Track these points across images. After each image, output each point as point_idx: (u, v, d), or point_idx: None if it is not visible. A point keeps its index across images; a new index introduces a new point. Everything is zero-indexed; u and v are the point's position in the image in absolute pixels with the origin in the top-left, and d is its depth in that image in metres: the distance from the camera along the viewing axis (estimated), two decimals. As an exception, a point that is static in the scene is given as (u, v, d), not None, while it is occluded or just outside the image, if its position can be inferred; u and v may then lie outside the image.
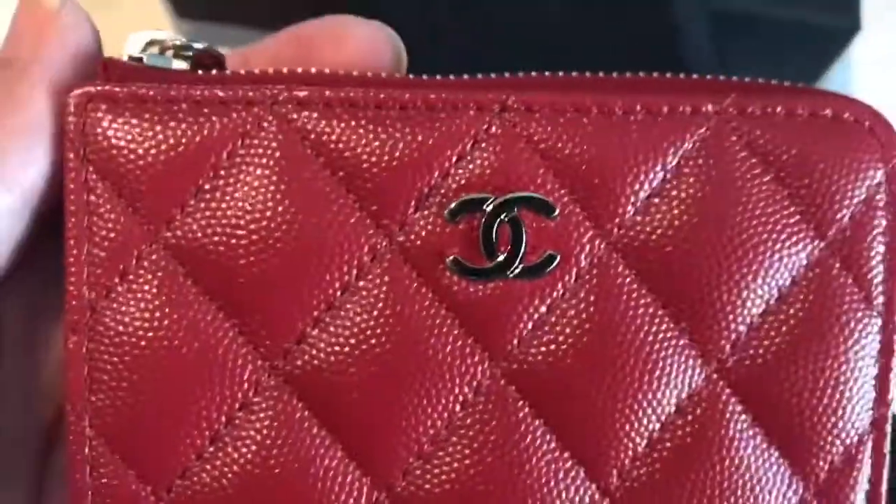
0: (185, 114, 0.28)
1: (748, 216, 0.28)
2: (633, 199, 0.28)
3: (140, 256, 0.28)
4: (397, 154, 0.28)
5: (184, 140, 0.28)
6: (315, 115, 0.28)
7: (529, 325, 0.28)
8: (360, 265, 0.28)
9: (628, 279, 0.28)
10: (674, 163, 0.28)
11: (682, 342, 0.29)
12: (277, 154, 0.28)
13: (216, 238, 0.28)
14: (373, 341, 0.28)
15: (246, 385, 0.28)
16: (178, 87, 0.28)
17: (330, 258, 0.28)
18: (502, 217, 0.28)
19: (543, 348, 0.28)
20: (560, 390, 0.28)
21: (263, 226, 0.28)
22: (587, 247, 0.28)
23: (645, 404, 0.29)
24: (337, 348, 0.28)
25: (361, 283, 0.28)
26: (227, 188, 0.28)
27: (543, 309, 0.28)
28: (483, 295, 0.28)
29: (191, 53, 0.29)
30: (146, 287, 0.28)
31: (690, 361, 0.29)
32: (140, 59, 0.29)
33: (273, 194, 0.28)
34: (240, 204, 0.28)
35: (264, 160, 0.28)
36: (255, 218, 0.28)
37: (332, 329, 0.28)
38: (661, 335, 0.28)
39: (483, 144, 0.28)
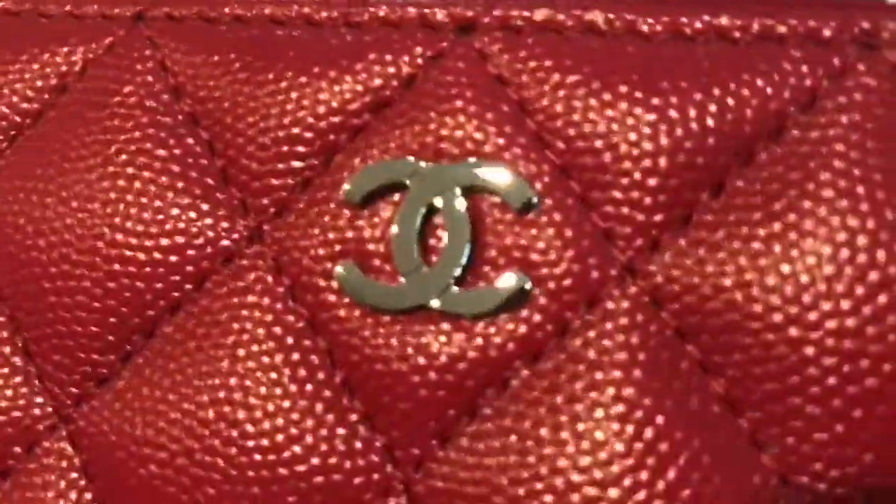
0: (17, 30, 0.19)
1: None
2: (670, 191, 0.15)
3: None
4: (273, 97, 0.17)
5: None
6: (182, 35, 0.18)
7: (464, 417, 0.15)
8: (203, 268, 0.17)
9: (674, 344, 0.15)
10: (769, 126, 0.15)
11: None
12: (125, 89, 0.18)
13: (17, 209, 0.18)
14: (185, 395, 0.16)
15: (18, 448, 0.18)
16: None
17: (163, 255, 0.17)
18: (435, 204, 0.16)
19: (472, 459, 0.15)
20: None
21: (65, 207, 0.18)
22: (593, 273, 0.15)
23: None
24: (124, 411, 0.17)
25: (203, 301, 0.17)
26: (47, 129, 0.18)
27: (491, 391, 0.15)
28: (385, 335, 0.16)
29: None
30: None
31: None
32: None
33: (93, 147, 0.18)
34: (51, 159, 0.18)
35: (99, 98, 0.18)
36: (64, 188, 0.18)
37: (132, 376, 0.17)
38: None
39: (418, 82, 0.16)
